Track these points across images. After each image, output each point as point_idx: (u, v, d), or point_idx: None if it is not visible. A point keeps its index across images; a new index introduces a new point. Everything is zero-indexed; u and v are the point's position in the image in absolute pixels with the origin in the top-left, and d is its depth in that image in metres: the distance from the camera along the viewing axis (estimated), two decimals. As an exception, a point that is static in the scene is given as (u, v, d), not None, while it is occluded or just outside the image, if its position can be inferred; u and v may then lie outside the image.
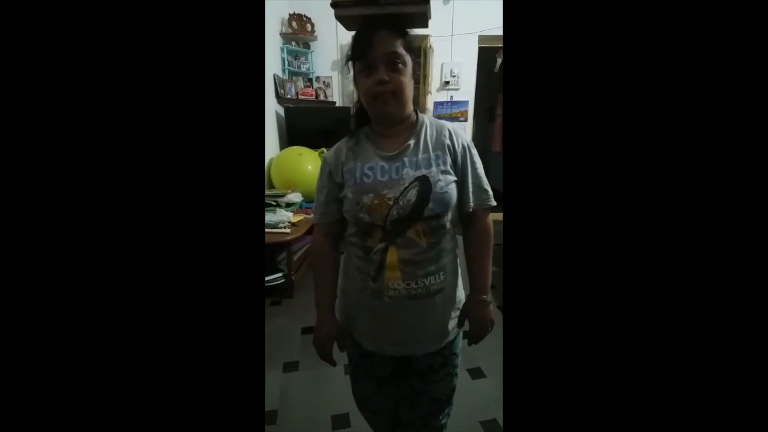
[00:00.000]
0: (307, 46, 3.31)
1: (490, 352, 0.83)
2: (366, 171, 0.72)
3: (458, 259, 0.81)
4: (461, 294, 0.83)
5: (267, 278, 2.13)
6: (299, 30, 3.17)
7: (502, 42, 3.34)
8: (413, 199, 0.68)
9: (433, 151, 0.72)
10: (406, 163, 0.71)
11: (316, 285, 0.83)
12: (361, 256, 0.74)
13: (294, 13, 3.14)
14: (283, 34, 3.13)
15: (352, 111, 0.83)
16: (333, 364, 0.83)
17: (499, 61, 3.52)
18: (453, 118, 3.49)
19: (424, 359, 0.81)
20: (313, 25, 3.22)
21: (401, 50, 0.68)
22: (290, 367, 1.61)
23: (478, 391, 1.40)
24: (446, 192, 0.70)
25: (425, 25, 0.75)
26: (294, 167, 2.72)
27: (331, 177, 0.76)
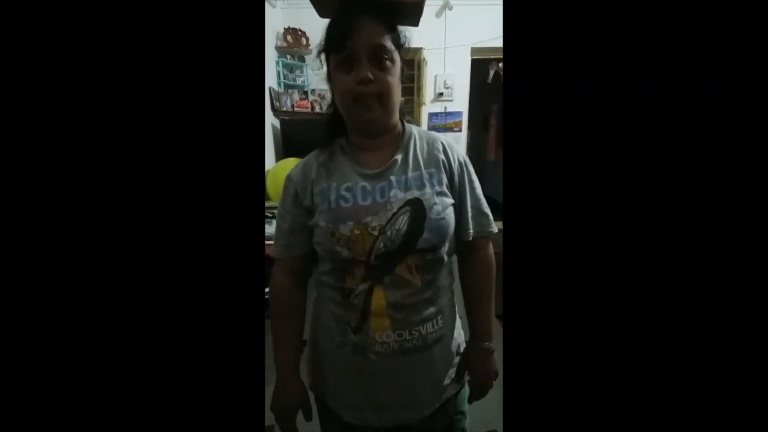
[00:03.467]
0: (302, 59, 3.34)
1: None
2: (343, 193, 0.57)
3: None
4: (460, 337, 0.68)
5: (262, 291, 2.10)
6: (294, 44, 3.21)
7: (494, 53, 3.40)
8: (404, 228, 0.55)
9: (425, 168, 0.59)
10: (393, 182, 0.57)
11: (275, 338, 0.63)
12: (338, 300, 0.59)
13: (289, 27, 3.19)
14: (278, 48, 3.17)
15: (326, 118, 0.66)
16: None
17: (492, 72, 3.58)
18: (447, 129, 3.53)
19: (422, 424, 0.64)
20: (308, 39, 3.27)
21: (389, 44, 0.55)
22: (284, 381, 1.58)
23: (475, 403, 1.39)
24: (443, 218, 0.57)
25: (416, 23, 0.61)
26: (289, 179, 2.73)
27: (297, 200, 0.61)
